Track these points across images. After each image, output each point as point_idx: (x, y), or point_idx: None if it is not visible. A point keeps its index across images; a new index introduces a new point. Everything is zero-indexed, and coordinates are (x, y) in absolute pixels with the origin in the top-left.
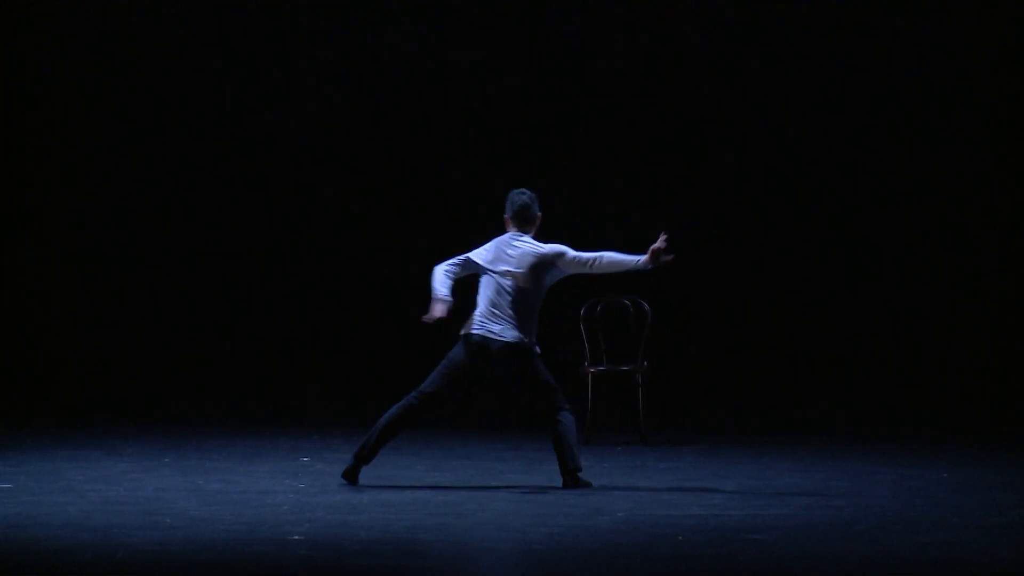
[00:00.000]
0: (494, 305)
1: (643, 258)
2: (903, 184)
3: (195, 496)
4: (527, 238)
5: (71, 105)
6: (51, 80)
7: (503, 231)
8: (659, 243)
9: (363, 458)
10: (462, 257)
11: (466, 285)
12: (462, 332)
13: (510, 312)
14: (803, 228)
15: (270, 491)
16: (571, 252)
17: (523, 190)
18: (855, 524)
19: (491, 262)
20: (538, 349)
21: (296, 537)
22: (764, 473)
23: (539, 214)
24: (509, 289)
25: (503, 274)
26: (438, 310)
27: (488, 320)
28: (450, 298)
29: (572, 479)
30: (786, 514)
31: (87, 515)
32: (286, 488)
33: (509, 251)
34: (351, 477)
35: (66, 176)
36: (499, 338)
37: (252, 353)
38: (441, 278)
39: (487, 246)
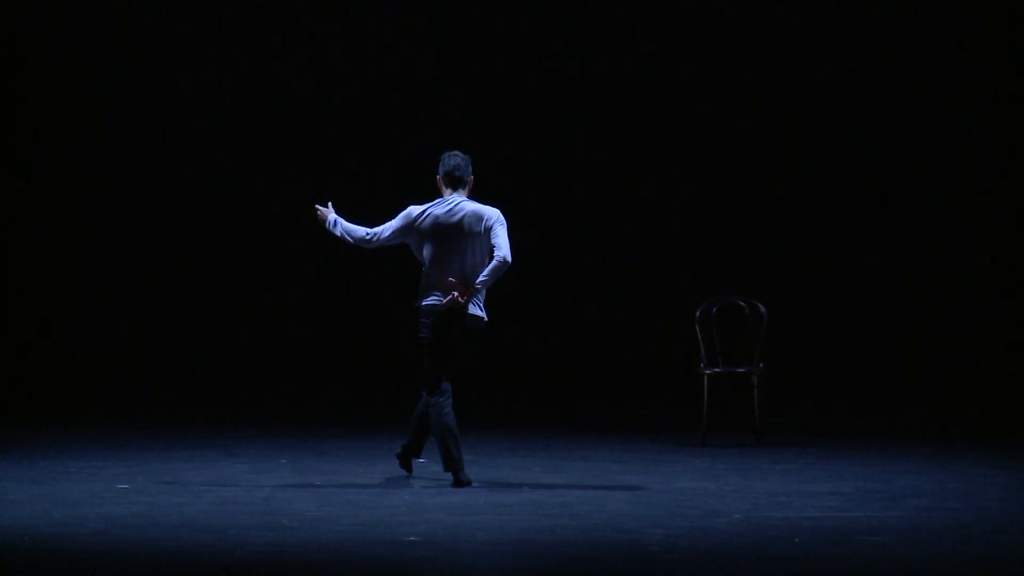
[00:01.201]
0: None
1: None
2: None
3: (312, 497)
4: None
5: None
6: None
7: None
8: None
9: None
10: None
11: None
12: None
13: None
14: (927, 224)
15: (386, 492)
16: None
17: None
18: (971, 527)
19: None
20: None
21: (412, 538)
22: (880, 475)
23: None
24: None
25: None
26: None
27: None
28: None
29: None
30: (902, 516)
31: (204, 515)
32: (402, 489)
33: None
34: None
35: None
36: None
37: (360, 352)
38: None
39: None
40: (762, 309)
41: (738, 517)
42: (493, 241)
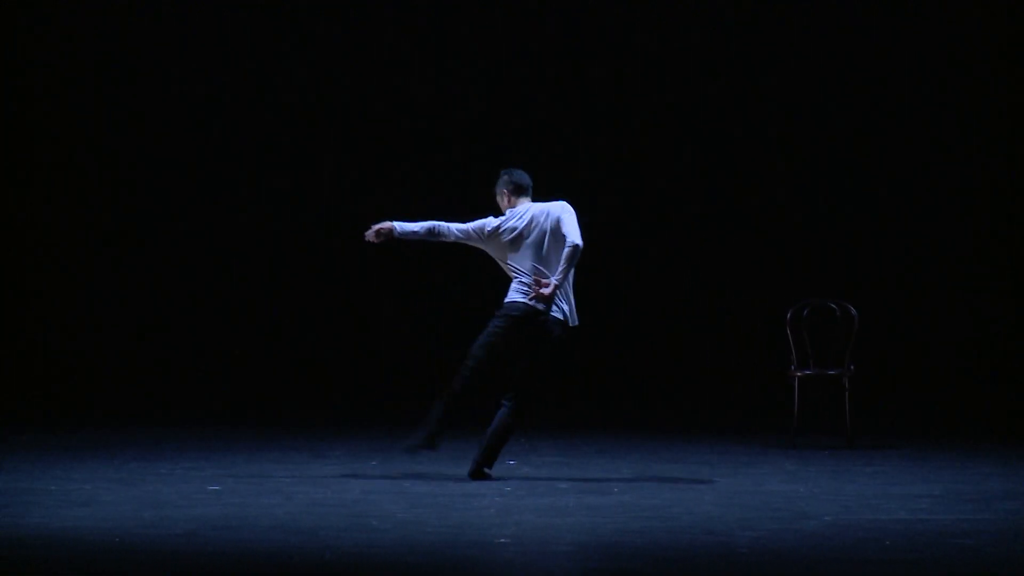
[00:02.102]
0: None
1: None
2: None
3: (401, 498)
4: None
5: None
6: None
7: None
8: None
9: None
10: None
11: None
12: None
13: None
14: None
15: (476, 494)
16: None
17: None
18: None
19: None
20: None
21: (502, 540)
22: (971, 477)
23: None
24: None
25: None
26: None
27: None
28: None
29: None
30: (993, 519)
31: (294, 517)
32: (492, 491)
33: None
34: None
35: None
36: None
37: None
38: None
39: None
40: (853, 311)
41: (828, 519)
42: (562, 231)
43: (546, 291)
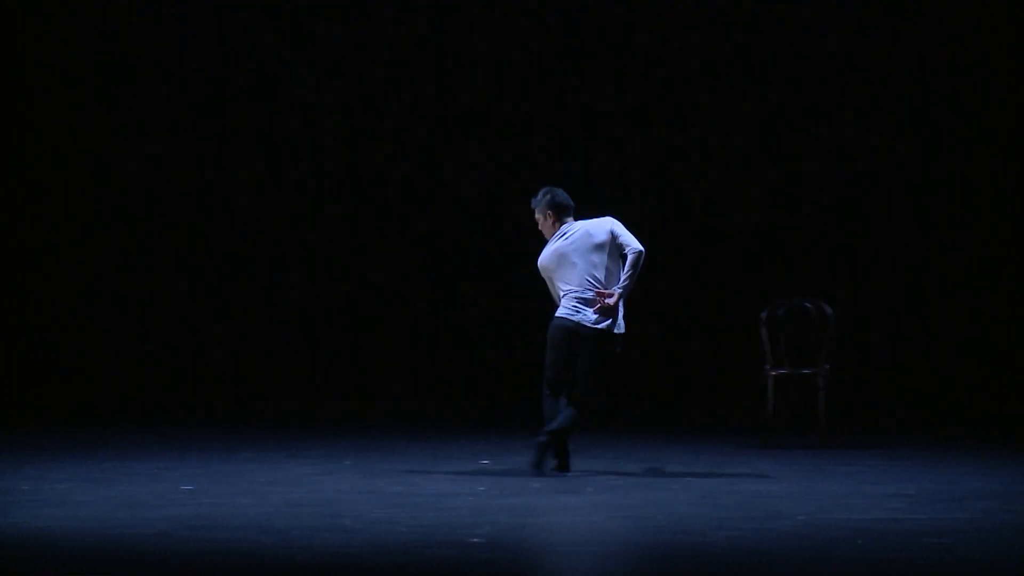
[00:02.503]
0: None
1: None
2: None
3: (375, 498)
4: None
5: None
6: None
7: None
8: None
9: None
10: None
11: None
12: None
13: None
14: (998, 225)
15: (450, 494)
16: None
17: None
18: None
19: None
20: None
21: (476, 540)
22: (945, 477)
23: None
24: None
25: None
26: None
27: None
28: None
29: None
30: (968, 518)
31: (268, 517)
32: (466, 490)
33: None
34: None
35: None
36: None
37: (427, 355)
38: None
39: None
40: (828, 311)
41: (802, 519)
42: (620, 241)
43: (611, 301)
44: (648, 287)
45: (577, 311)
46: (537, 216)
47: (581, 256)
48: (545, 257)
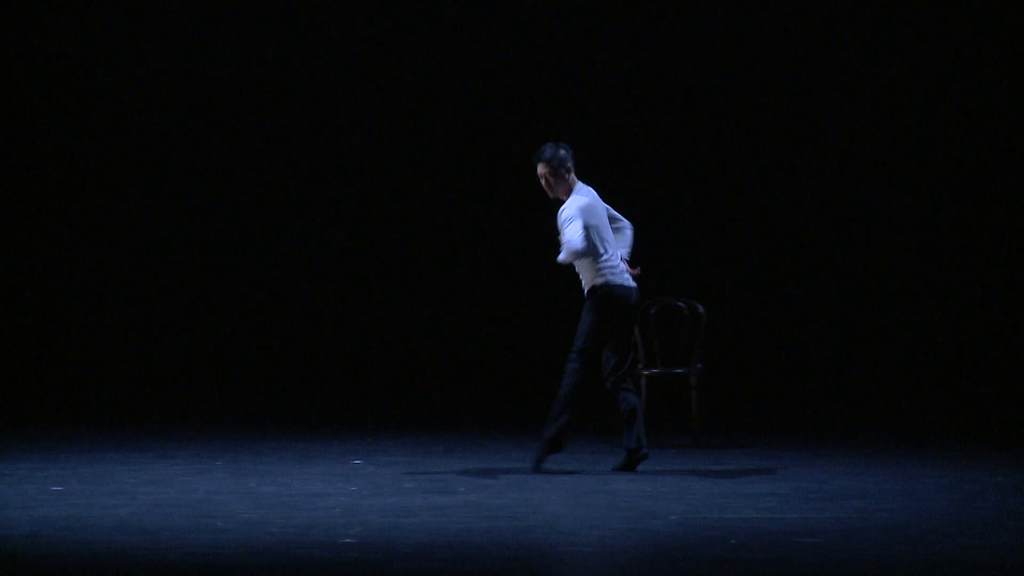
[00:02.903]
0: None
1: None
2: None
3: (247, 499)
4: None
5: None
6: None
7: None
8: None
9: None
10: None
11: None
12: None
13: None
14: (864, 227)
15: (322, 494)
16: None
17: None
18: (909, 528)
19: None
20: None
21: (348, 540)
22: (818, 476)
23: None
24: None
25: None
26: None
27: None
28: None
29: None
30: (840, 517)
31: (138, 518)
32: (338, 491)
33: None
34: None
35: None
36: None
37: (299, 354)
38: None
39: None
40: (700, 310)
41: (674, 519)
42: (613, 213)
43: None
44: (520, 285)
45: (629, 277)
46: (549, 171)
47: (607, 219)
48: (590, 208)
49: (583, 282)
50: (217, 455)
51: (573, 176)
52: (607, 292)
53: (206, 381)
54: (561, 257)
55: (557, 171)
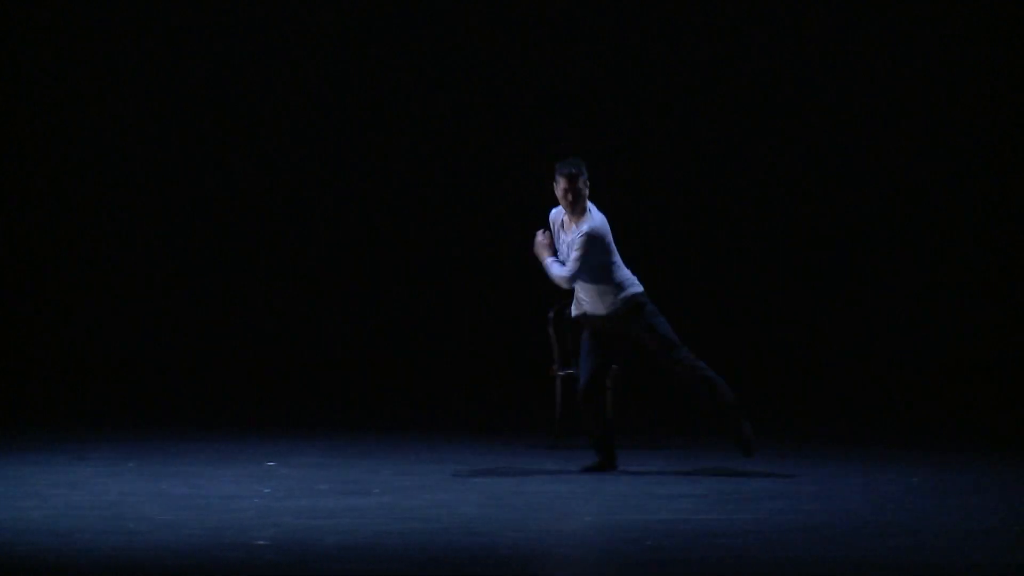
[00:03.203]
0: None
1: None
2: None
3: (160, 501)
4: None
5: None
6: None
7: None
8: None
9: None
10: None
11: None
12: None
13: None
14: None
15: (236, 496)
16: None
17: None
18: (825, 529)
19: None
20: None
21: (262, 542)
22: (735, 477)
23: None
24: None
25: None
26: None
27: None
28: None
29: None
30: (756, 518)
31: (50, 520)
32: (252, 493)
33: None
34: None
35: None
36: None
37: (213, 355)
38: None
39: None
40: None
41: (590, 519)
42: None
43: None
44: (440, 287)
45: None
46: (582, 184)
47: None
48: (606, 227)
49: (598, 298)
50: (129, 456)
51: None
52: (642, 298)
53: (118, 382)
54: (554, 272)
55: (583, 186)
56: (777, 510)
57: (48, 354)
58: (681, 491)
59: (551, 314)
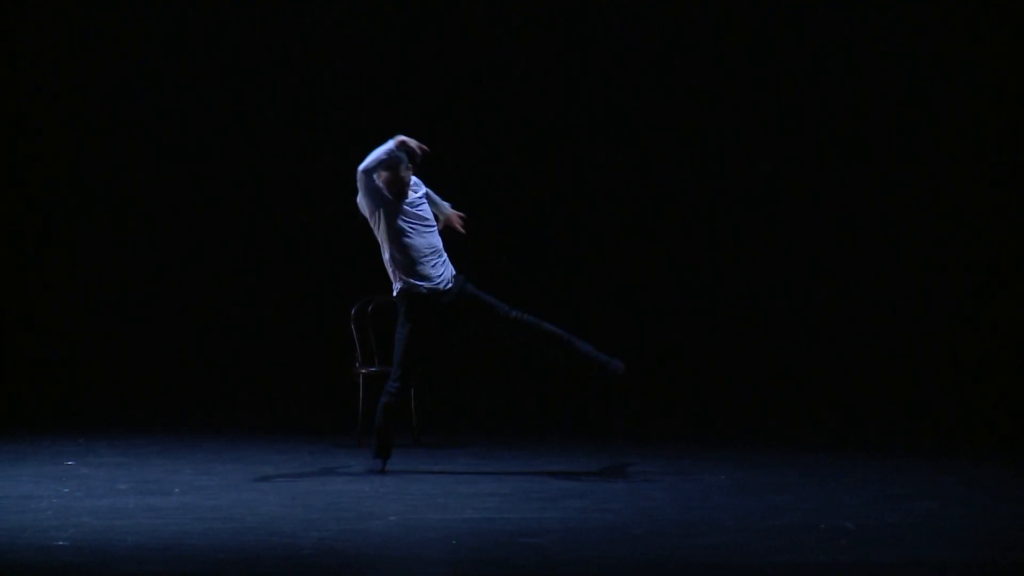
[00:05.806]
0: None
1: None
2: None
3: None
4: None
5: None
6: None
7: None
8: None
9: None
10: None
11: None
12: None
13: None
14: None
15: (33, 496)
16: None
17: None
18: (631, 528)
19: None
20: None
21: (61, 543)
22: (539, 476)
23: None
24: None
25: None
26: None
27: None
28: None
29: None
30: (561, 518)
31: None
32: (50, 492)
33: None
34: None
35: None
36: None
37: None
38: None
39: None
40: None
41: (394, 519)
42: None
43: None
44: (243, 284)
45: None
46: (409, 174)
47: None
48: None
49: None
50: None
51: None
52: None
53: None
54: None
55: (407, 174)
56: (582, 509)
57: None
58: (486, 490)
59: (353, 311)
